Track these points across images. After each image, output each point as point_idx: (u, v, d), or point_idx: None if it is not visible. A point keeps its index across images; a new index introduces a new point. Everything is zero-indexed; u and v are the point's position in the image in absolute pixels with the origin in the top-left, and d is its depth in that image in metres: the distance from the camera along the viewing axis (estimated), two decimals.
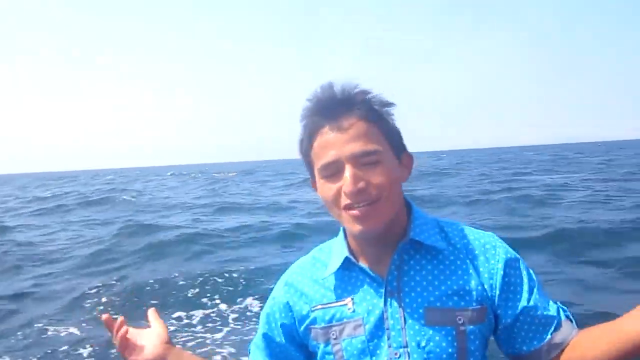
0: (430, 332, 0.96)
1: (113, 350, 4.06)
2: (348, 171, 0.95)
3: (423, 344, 0.96)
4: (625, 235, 7.28)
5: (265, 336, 1.14)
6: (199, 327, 4.96)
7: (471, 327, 0.97)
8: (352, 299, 1.02)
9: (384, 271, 1.01)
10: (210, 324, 5.03)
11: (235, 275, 6.43)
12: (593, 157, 35.73)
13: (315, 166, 1.01)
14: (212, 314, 5.31)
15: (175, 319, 5.23)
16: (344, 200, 0.97)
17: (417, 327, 0.97)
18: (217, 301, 5.68)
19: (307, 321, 1.07)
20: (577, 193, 13.09)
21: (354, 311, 1.01)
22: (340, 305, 1.03)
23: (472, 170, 27.62)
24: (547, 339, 0.99)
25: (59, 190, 29.73)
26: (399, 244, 1.01)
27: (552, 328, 0.99)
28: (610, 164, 26.65)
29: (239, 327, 4.89)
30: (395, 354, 0.97)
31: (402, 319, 0.97)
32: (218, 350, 4.29)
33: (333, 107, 0.97)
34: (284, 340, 1.11)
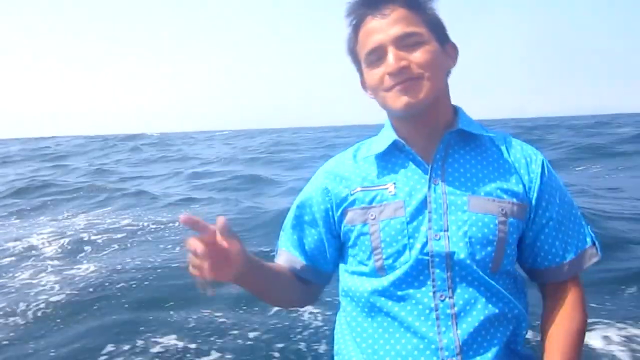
0: (474, 217, 0.98)
1: None
2: (390, 52, 0.98)
3: (465, 228, 0.98)
4: None
5: (298, 221, 1.14)
6: None
7: (512, 219, 0.99)
8: (394, 183, 1.03)
9: (430, 158, 1.03)
10: None
11: None
12: None
13: (362, 57, 1.03)
14: None
15: None
16: (388, 82, 0.99)
17: (459, 213, 0.99)
18: None
19: (345, 204, 1.07)
20: None
21: (395, 194, 1.03)
22: (382, 189, 1.04)
23: None
24: (570, 258, 1.02)
25: None
26: (446, 132, 1.03)
27: (577, 248, 1.02)
28: None
29: None
30: (436, 235, 0.99)
31: (445, 204, 1.00)
32: None
33: None
34: (318, 226, 1.11)
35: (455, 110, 1.09)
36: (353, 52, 1.07)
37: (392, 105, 1.01)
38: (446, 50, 1.04)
